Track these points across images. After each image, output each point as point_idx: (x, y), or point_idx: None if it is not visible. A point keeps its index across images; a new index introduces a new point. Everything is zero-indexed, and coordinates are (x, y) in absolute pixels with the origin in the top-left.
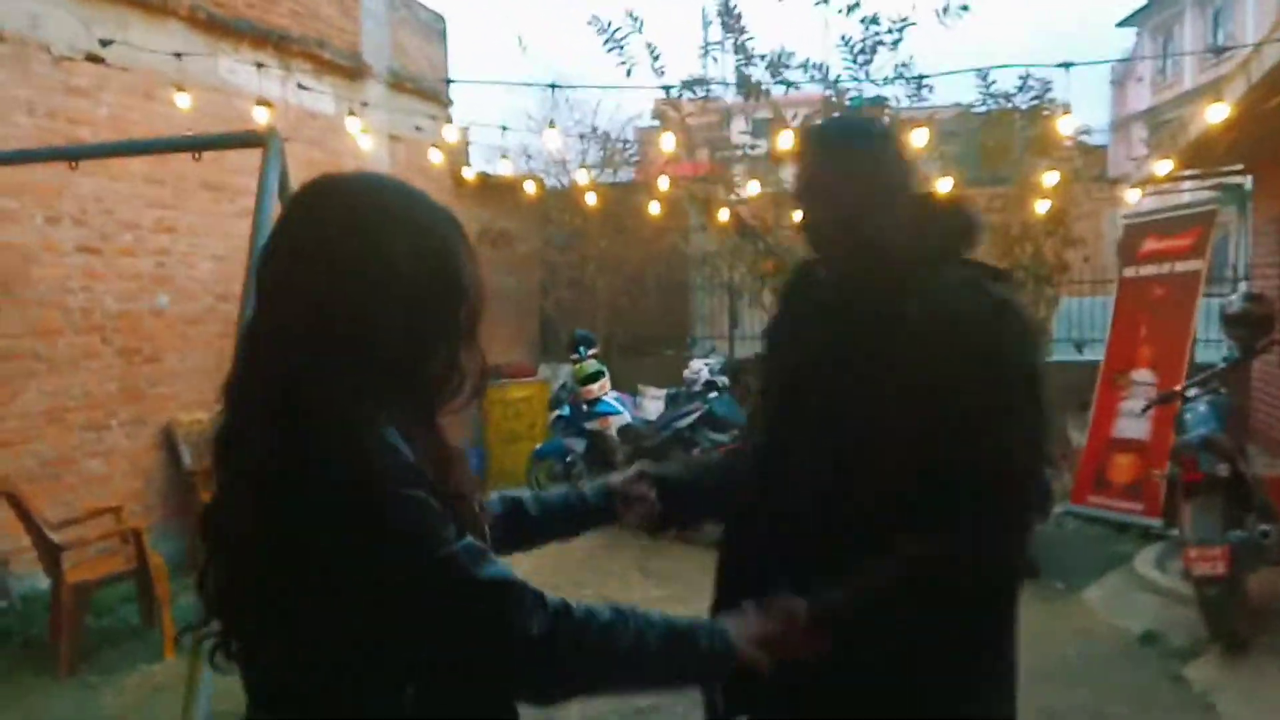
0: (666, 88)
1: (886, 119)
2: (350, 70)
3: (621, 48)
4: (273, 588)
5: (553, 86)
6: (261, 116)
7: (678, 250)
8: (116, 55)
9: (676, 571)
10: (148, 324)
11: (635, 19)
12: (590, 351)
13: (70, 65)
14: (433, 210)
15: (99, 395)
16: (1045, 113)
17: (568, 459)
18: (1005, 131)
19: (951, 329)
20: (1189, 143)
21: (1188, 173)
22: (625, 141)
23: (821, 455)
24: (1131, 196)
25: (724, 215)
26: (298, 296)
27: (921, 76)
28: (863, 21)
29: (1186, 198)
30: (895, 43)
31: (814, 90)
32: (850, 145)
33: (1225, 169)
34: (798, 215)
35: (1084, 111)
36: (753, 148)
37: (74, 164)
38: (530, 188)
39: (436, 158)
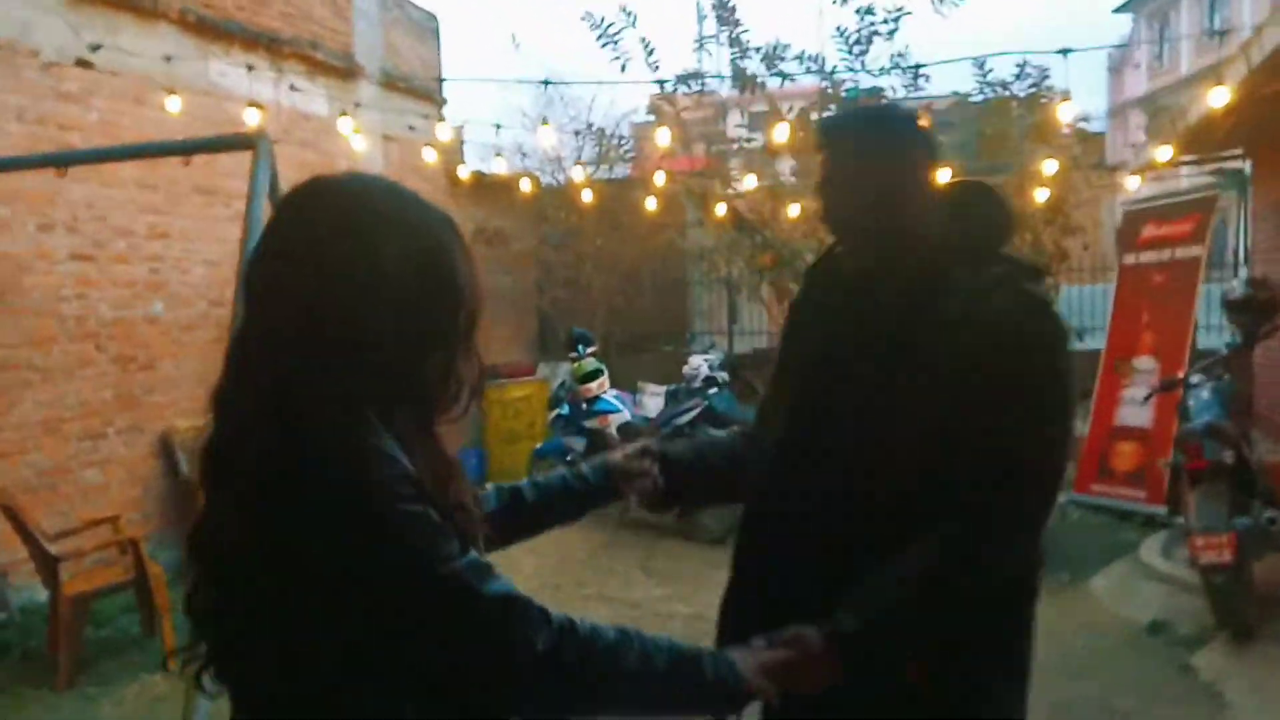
0: (660, 82)
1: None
2: (343, 71)
3: (615, 43)
4: (266, 605)
5: (546, 83)
6: (252, 119)
7: (675, 246)
8: (106, 60)
9: (678, 570)
10: (142, 331)
11: (629, 14)
12: (588, 350)
13: (60, 70)
14: (426, 211)
15: (95, 404)
16: (1043, 100)
17: (568, 458)
18: (1003, 120)
19: (989, 330)
20: (1188, 128)
21: (1187, 158)
22: (620, 137)
23: (845, 445)
24: (1131, 183)
25: (721, 210)
26: (287, 300)
27: (918, 66)
28: (858, 12)
29: (1185, 184)
30: (891, 33)
31: (810, 82)
32: (874, 132)
33: (1225, 154)
34: (822, 207)
35: (1081, 99)
36: (749, 141)
37: (63, 171)
38: (525, 186)
39: (430, 157)
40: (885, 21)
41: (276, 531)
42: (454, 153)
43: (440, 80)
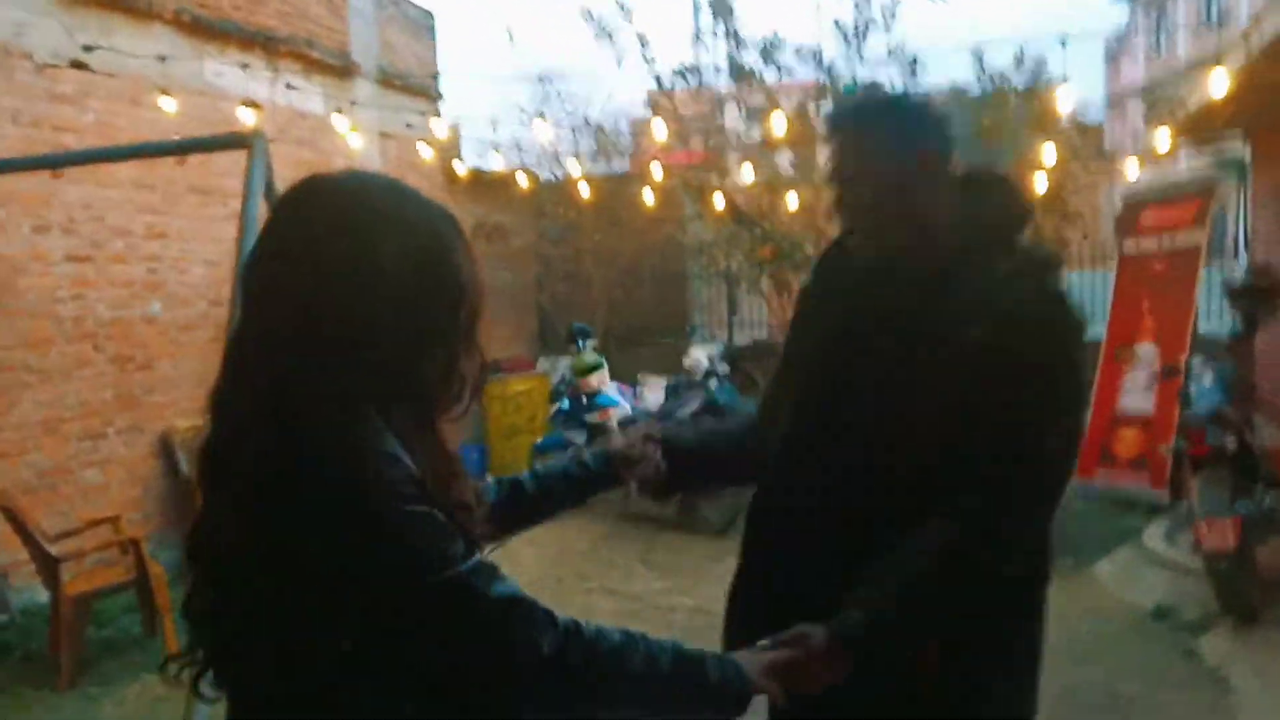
0: (657, 76)
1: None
2: (339, 69)
3: (611, 38)
4: (264, 605)
5: (542, 78)
6: (248, 118)
7: (673, 240)
8: (101, 61)
9: (679, 563)
10: (140, 331)
11: (625, 9)
12: (588, 344)
13: (54, 72)
14: (425, 207)
15: (94, 404)
16: (1041, 90)
17: (568, 451)
18: (1001, 111)
19: (1005, 320)
20: (1188, 115)
21: (1187, 145)
22: (618, 132)
23: (856, 432)
24: (1131, 170)
25: (719, 203)
26: (284, 300)
27: (915, 57)
28: (855, 4)
29: (1181, 170)
30: (888, 24)
31: (807, 75)
32: (887, 121)
33: (1224, 140)
34: (834, 196)
35: (1079, 89)
36: (746, 134)
37: (59, 172)
38: (524, 181)
39: (427, 154)
40: (882, 13)
41: (275, 532)
42: (451, 149)
43: (436, 77)
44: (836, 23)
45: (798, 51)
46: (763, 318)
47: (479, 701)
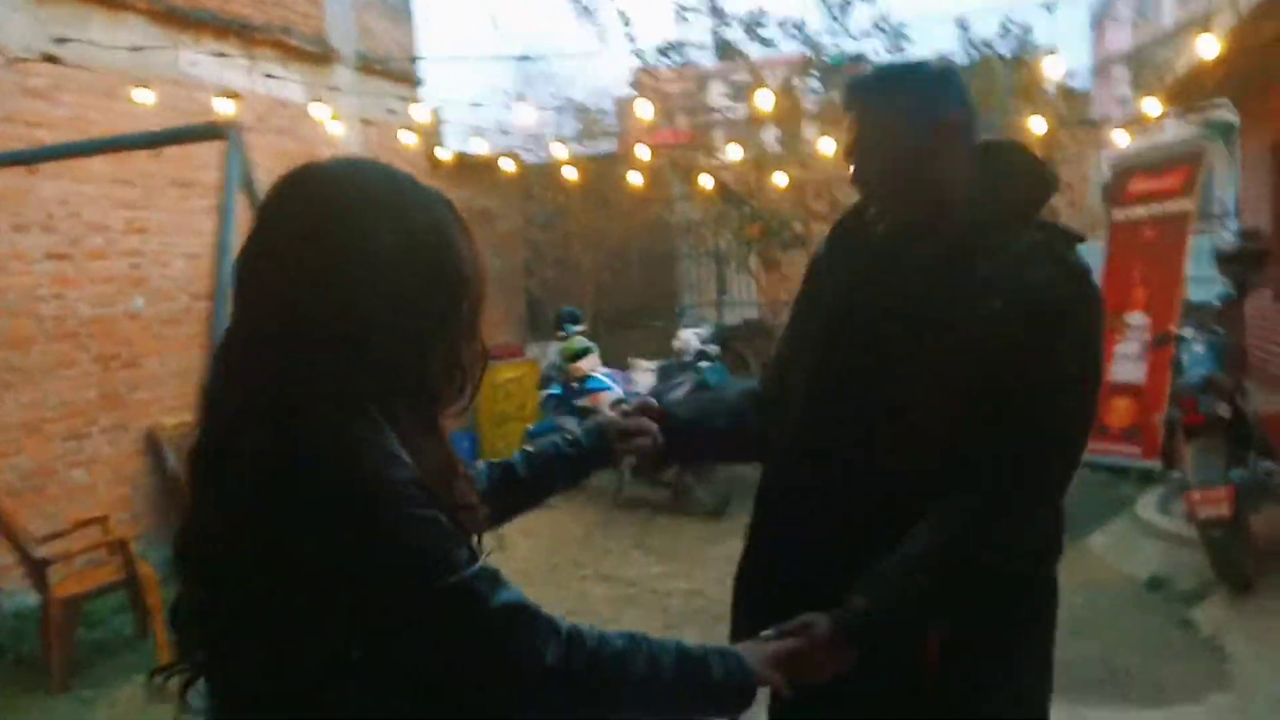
0: (639, 52)
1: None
2: (317, 56)
3: (593, 16)
4: (258, 607)
5: (523, 58)
6: (226, 108)
7: (661, 220)
8: (74, 54)
9: (674, 546)
10: (124, 328)
11: None
12: (577, 328)
13: (25, 66)
14: (422, 194)
15: (78, 403)
16: (1027, 58)
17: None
18: (988, 80)
19: (1025, 297)
20: (1176, 80)
21: (1175, 111)
22: (602, 112)
23: (869, 410)
24: (1120, 138)
25: (707, 182)
26: (277, 294)
27: (900, 28)
28: None
29: (1171, 137)
30: None
31: (792, 49)
32: (907, 90)
33: (1212, 105)
34: (852, 168)
35: (1065, 56)
36: (731, 111)
37: (34, 169)
38: (509, 165)
39: (410, 140)
40: None
41: (270, 531)
42: (433, 134)
43: (416, 61)
44: None
45: (781, 25)
46: (752, 297)
47: (476, 703)
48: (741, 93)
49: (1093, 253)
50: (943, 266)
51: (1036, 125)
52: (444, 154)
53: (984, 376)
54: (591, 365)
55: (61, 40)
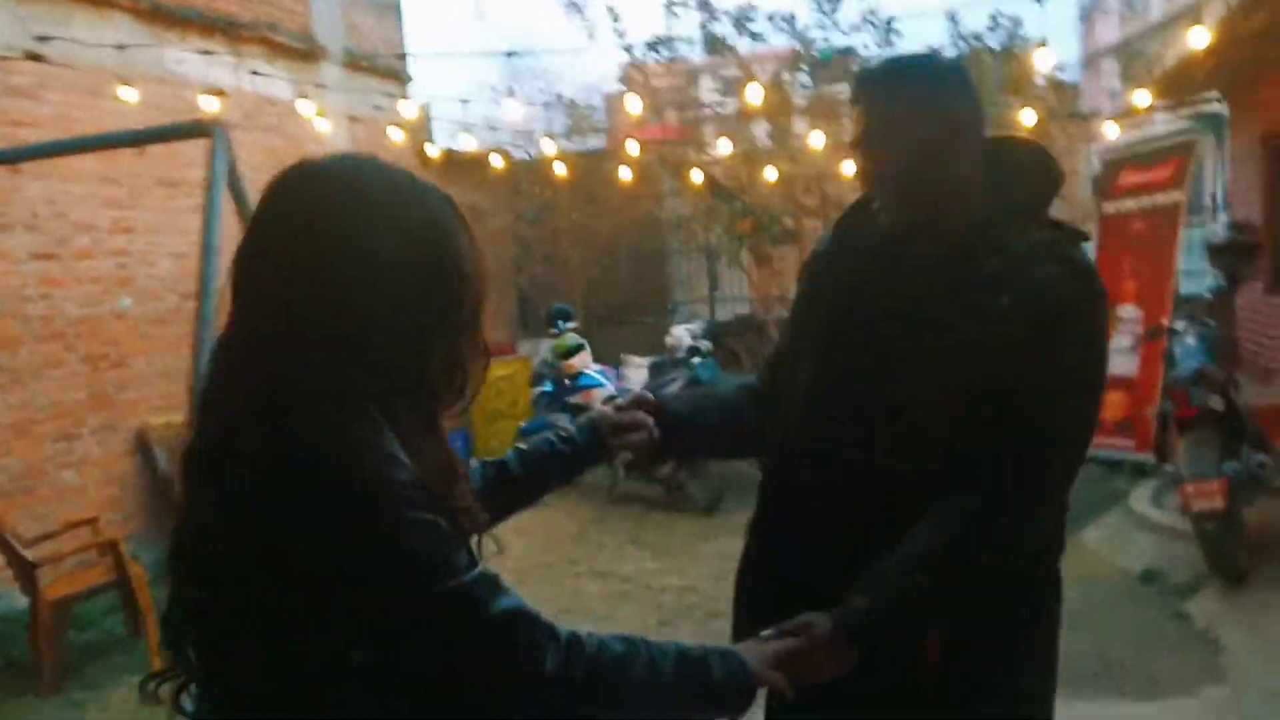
0: (628, 47)
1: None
2: (304, 53)
3: (581, 10)
4: (255, 609)
5: (510, 54)
6: (212, 106)
7: (651, 216)
8: (58, 52)
9: (668, 542)
10: (111, 328)
11: None
12: (569, 325)
13: (9, 64)
14: (421, 190)
15: (67, 404)
16: (1017, 50)
17: (553, 429)
18: (978, 73)
19: (1031, 296)
20: (1165, 72)
21: (1164, 103)
22: (591, 107)
23: (874, 409)
24: (1110, 131)
25: (697, 177)
26: (274, 295)
27: (890, 21)
28: None
29: (1161, 130)
30: None
31: (781, 44)
32: (919, 81)
33: (1202, 97)
34: (859, 162)
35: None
36: (721, 105)
37: (18, 168)
38: (498, 161)
39: (397, 136)
40: None
41: (267, 532)
42: (421, 131)
43: (404, 57)
44: None
45: (771, 19)
46: (744, 292)
47: (475, 707)
48: (731, 87)
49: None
50: (946, 264)
51: (1026, 118)
52: (432, 151)
53: (987, 375)
54: (584, 362)
55: (44, 38)
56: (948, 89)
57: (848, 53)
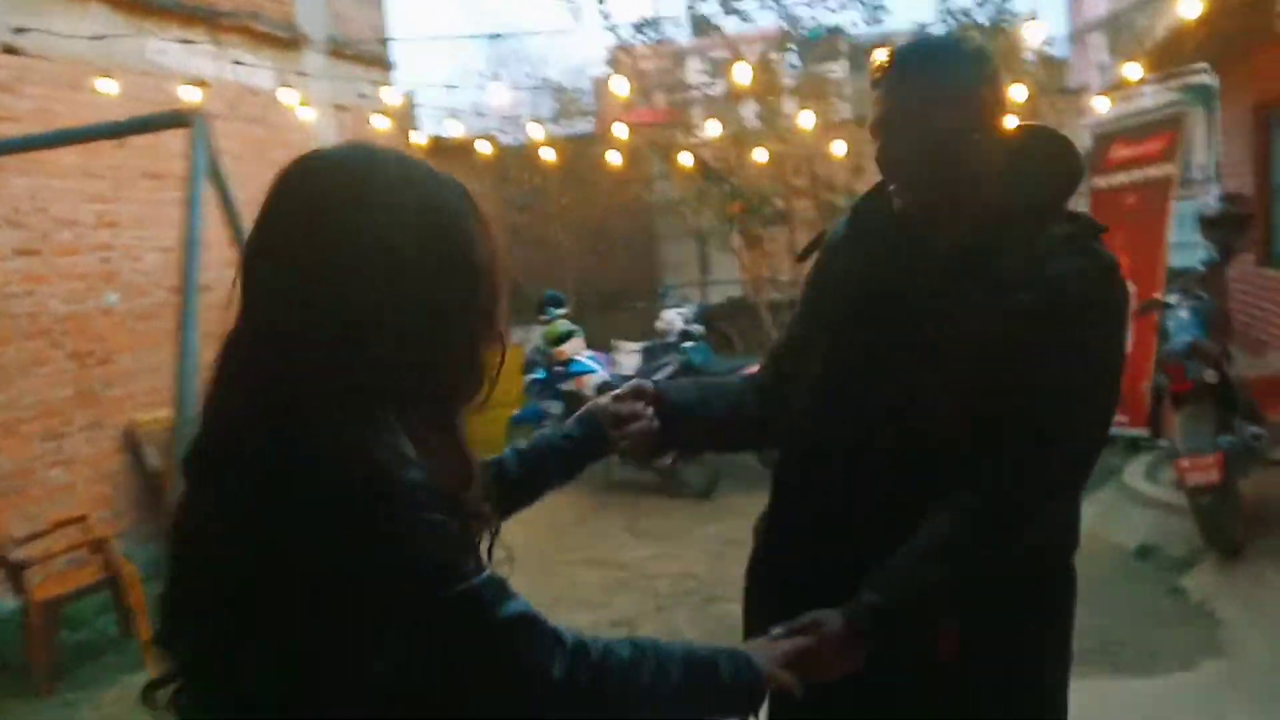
0: (613, 27)
1: (845, 47)
2: (287, 41)
3: None
4: (257, 619)
5: (495, 36)
6: (194, 97)
7: (641, 200)
8: (37, 44)
9: (665, 529)
10: (98, 324)
11: None
12: (560, 312)
13: None
14: (433, 180)
15: (54, 402)
16: (1005, 25)
17: (544, 422)
18: None
19: (1051, 290)
20: (1156, 44)
21: (1154, 75)
22: (579, 91)
23: (888, 398)
24: (1101, 105)
25: (686, 160)
26: (280, 293)
27: None
28: None
29: (1149, 103)
30: None
31: (769, 23)
32: (940, 67)
33: (1191, 69)
34: (878, 147)
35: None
36: (709, 87)
37: None
38: (485, 147)
39: (382, 124)
40: None
41: (270, 533)
42: (406, 118)
43: (387, 43)
44: None
45: None
46: (735, 275)
47: (479, 711)
48: (719, 69)
49: None
50: (965, 255)
51: (1016, 94)
52: (418, 138)
53: (1005, 370)
54: (575, 349)
55: (21, 30)
56: (971, 75)
57: (836, 31)
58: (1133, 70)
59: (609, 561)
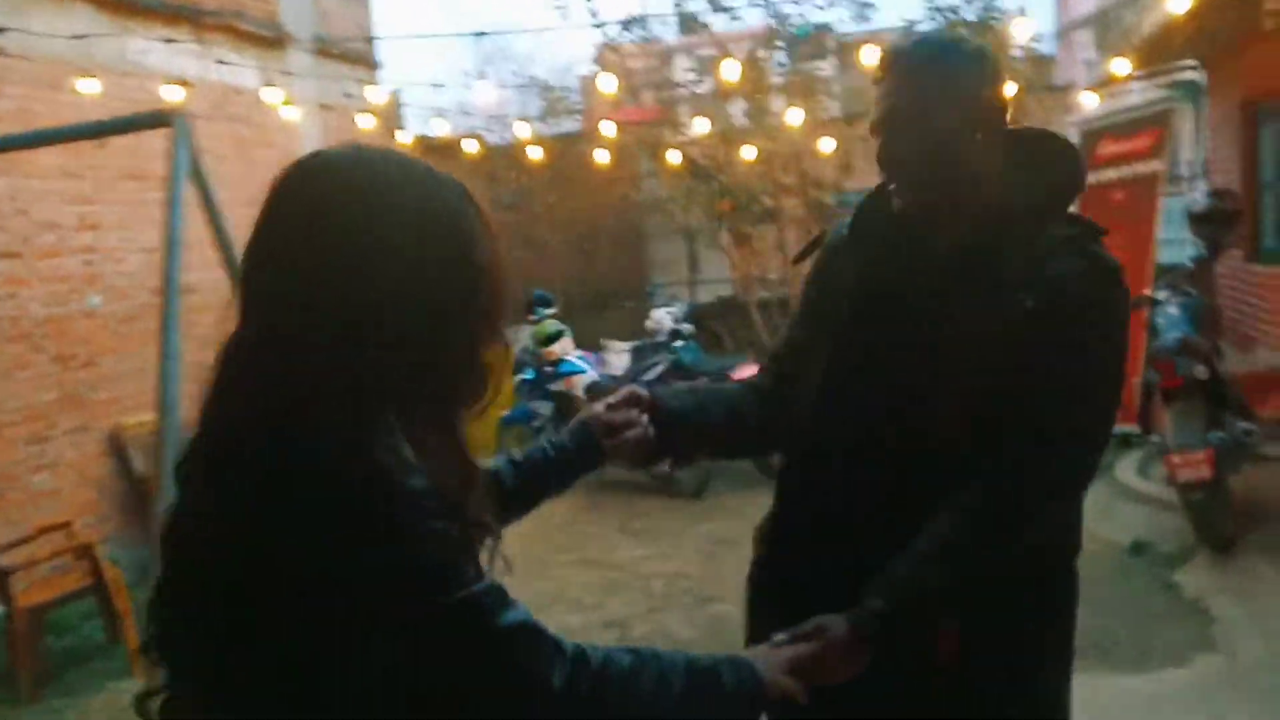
0: (600, 24)
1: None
2: (271, 40)
3: None
4: (252, 624)
5: (481, 34)
6: (176, 96)
7: (629, 199)
8: (16, 44)
9: (657, 528)
10: (80, 326)
11: None
12: (549, 311)
13: None
14: (433, 180)
15: (38, 406)
16: (993, 22)
17: (535, 423)
18: None
19: (1052, 293)
20: (1143, 40)
21: (1142, 72)
22: (566, 89)
23: (891, 401)
24: (1089, 101)
25: (675, 158)
26: (279, 296)
27: None
28: None
29: (1137, 99)
30: None
31: (756, 21)
32: (942, 66)
33: (1179, 65)
34: (880, 145)
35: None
36: (697, 85)
37: None
38: (472, 146)
39: (368, 123)
40: None
41: (268, 537)
42: (392, 117)
43: (369, 39)
44: None
45: None
46: (725, 273)
47: (473, 717)
48: (706, 67)
49: None
50: (965, 256)
51: (1007, 90)
52: (404, 137)
53: (1007, 371)
54: (565, 349)
55: (1, 29)
56: (973, 75)
57: (824, 29)
58: (1121, 66)
59: (601, 562)
